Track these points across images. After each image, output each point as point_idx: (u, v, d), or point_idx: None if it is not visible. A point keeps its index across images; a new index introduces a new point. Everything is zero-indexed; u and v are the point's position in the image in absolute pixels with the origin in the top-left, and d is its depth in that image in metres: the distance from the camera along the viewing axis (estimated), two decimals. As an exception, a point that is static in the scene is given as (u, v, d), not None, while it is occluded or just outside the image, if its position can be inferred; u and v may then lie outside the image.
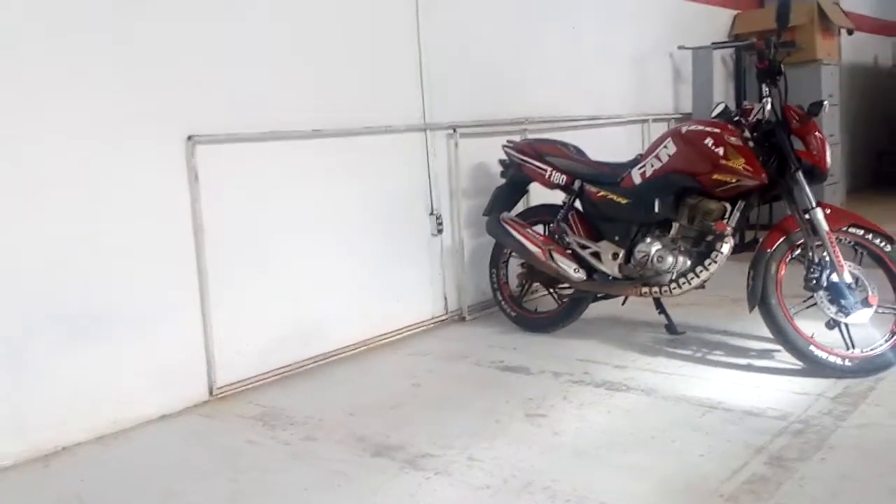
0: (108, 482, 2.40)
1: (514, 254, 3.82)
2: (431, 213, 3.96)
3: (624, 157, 3.57)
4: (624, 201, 3.38)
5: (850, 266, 2.92)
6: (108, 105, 2.74)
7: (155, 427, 2.83)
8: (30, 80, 2.55)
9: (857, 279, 2.92)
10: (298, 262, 3.38)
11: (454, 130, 4.01)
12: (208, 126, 3.01)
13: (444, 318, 4.05)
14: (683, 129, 3.22)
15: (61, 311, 2.65)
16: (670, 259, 3.19)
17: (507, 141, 3.86)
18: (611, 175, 3.48)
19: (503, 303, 3.91)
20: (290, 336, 3.35)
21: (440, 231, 4.00)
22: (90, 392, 2.72)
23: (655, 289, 3.27)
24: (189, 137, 2.95)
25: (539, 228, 3.74)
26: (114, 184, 2.77)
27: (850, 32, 6.57)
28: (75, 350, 2.68)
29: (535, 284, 3.89)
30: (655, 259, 3.21)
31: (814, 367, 2.89)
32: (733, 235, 3.15)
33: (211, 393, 3.06)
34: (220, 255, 3.06)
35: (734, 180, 3.02)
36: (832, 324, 2.93)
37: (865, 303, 2.88)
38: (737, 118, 3.14)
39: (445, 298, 4.07)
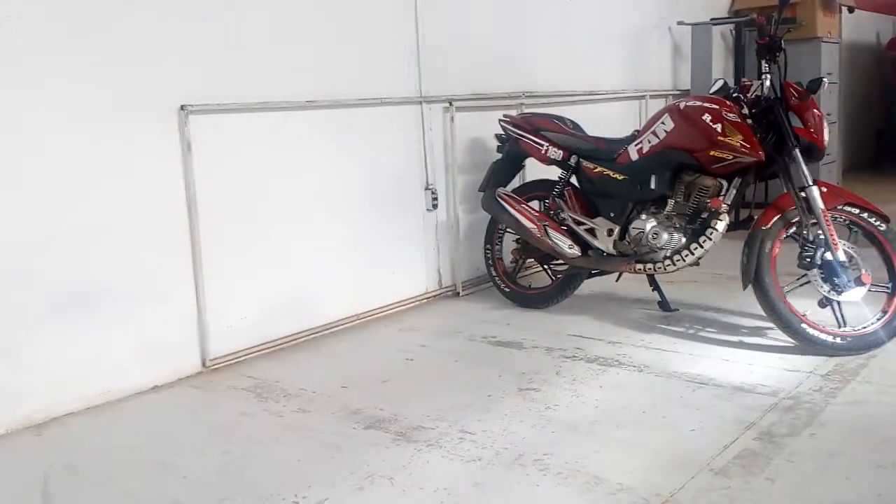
0: (100, 452, 2.40)
1: (508, 229, 3.81)
2: (427, 188, 3.95)
3: (621, 132, 3.56)
4: (620, 177, 3.36)
5: (844, 245, 2.92)
6: (99, 75, 2.71)
7: (147, 398, 2.83)
8: (19, 52, 2.52)
9: (851, 257, 2.92)
10: (292, 234, 3.36)
11: (450, 104, 3.98)
12: (202, 96, 2.98)
13: (438, 293, 4.05)
14: (681, 105, 3.20)
15: (54, 284, 2.64)
16: (665, 236, 3.18)
17: (504, 115, 3.83)
18: (608, 151, 3.46)
19: (497, 278, 3.91)
20: (284, 309, 3.34)
21: (435, 206, 3.98)
22: (82, 363, 2.72)
23: (650, 265, 3.27)
24: (182, 107, 2.92)
25: (535, 204, 3.72)
26: (105, 156, 2.74)
27: (850, 10, 6.53)
28: (67, 321, 2.67)
29: (530, 260, 3.88)
30: (650, 236, 3.20)
31: (805, 344, 2.90)
32: (729, 213, 3.15)
33: (204, 365, 3.06)
34: (213, 227, 3.05)
35: (731, 157, 3.01)
36: (825, 302, 2.94)
37: (859, 281, 2.88)
38: (735, 94, 3.12)
39: (440, 273, 4.07)
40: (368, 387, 2.83)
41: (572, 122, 3.73)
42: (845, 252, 2.91)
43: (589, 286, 3.78)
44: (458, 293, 4.08)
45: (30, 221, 2.58)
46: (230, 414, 2.65)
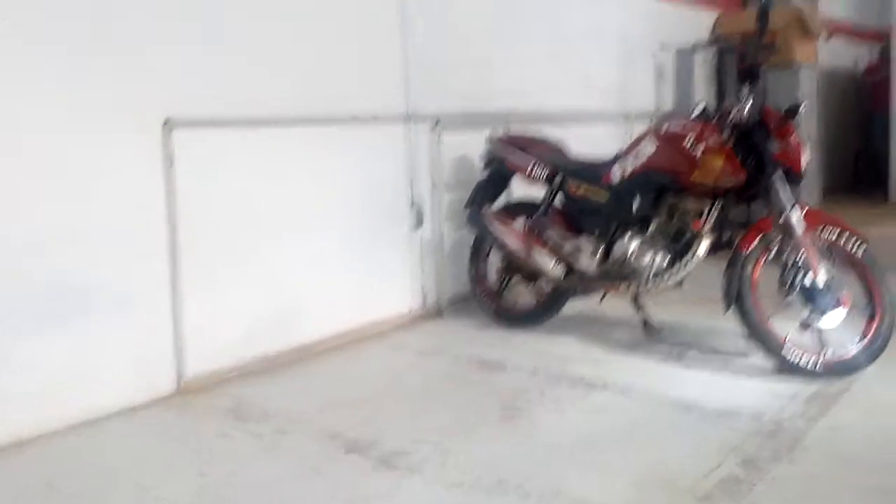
0: (78, 472, 2.35)
1: (494, 248, 3.81)
2: (412, 206, 3.94)
3: (605, 153, 3.58)
4: (604, 198, 3.38)
5: (824, 268, 2.94)
6: (83, 87, 2.68)
7: (125, 417, 2.78)
8: (2, 64, 2.49)
9: (830, 281, 2.94)
10: (276, 251, 3.34)
11: (437, 122, 3.99)
12: (186, 110, 2.96)
13: (422, 312, 4.03)
14: (664, 128, 3.23)
15: (30, 299, 2.59)
16: (648, 256, 3.20)
17: (491, 134, 3.85)
18: (592, 171, 3.48)
19: (482, 297, 3.90)
20: (266, 328, 3.31)
21: (421, 224, 3.97)
22: (59, 381, 2.67)
23: (633, 286, 3.28)
24: (166, 121, 2.90)
25: (520, 223, 3.73)
26: (86, 168, 2.71)
27: (827, 37, 6.65)
28: (44, 338, 2.63)
29: (515, 279, 3.88)
30: (633, 256, 3.22)
31: (787, 368, 2.92)
32: (711, 234, 3.17)
33: (183, 384, 3.02)
34: (195, 243, 3.01)
35: (712, 180, 3.04)
36: (806, 325, 2.95)
37: (838, 305, 2.90)
38: (716, 118, 3.15)
39: (424, 292, 4.05)
40: (351, 408, 2.80)
41: (557, 142, 3.76)
42: (825, 275, 2.93)
43: (573, 306, 3.78)
44: (443, 312, 4.07)
45: (6, 238, 2.53)
46: (208, 435, 2.61)
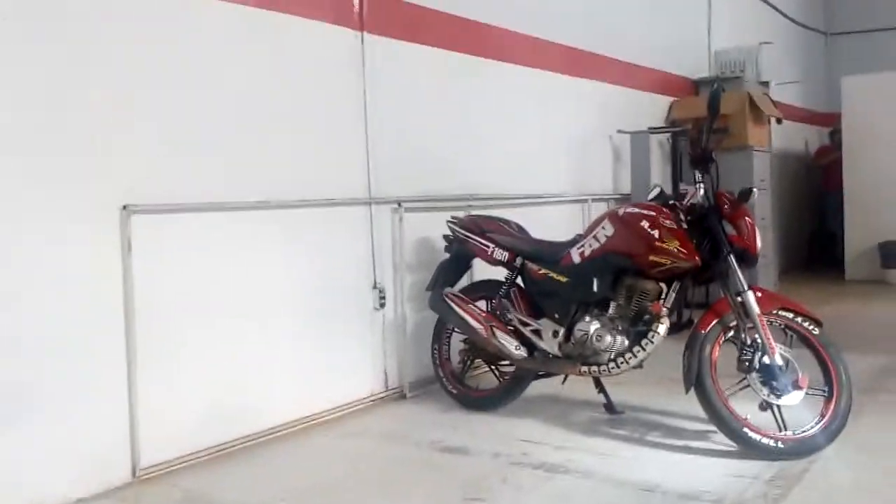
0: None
1: (456, 330, 3.80)
2: (374, 287, 3.94)
3: (564, 235, 3.64)
4: (564, 279, 3.41)
5: (780, 348, 2.99)
6: (39, 171, 2.67)
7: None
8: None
9: (787, 362, 2.98)
10: (235, 337, 3.29)
11: (399, 205, 4.04)
12: (145, 195, 2.95)
13: (384, 394, 3.98)
14: (621, 212, 3.30)
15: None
16: (608, 338, 3.22)
17: (452, 217, 3.90)
18: (551, 253, 3.53)
19: (444, 379, 3.87)
20: (222, 415, 3.22)
21: (382, 305, 3.97)
22: (5, 473, 2.56)
23: (595, 368, 3.28)
24: (124, 207, 2.90)
25: (482, 304, 3.74)
26: (39, 254, 2.68)
27: (779, 121, 6.91)
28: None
29: (477, 361, 3.86)
30: (594, 338, 3.23)
31: (748, 448, 2.92)
32: (669, 315, 3.21)
33: (134, 475, 2.91)
34: (151, 331, 2.97)
35: (669, 262, 3.09)
36: (765, 405, 2.97)
37: (796, 385, 2.94)
38: (672, 202, 3.23)
39: (386, 374, 4.01)
40: (309, 498, 2.73)
41: (517, 224, 3.82)
42: (782, 356, 2.97)
43: (536, 388, 3.76)
44: (406, 395, 4.02)
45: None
46: (159, 528, 2.51)
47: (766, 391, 2.95)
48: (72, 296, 2.76)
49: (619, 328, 3.24)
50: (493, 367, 3.80)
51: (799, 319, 3.05)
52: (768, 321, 3.01)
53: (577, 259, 3.39)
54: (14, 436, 2.60)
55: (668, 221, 3.12)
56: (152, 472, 2.96)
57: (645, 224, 3.14)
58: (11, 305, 2.61)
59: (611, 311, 3.27)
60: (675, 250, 3.07)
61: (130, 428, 2.91)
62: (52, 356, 2.70)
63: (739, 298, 3.03)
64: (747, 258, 3.13)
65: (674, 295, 3.19)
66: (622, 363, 3.21)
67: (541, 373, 3.60)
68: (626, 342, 3.22)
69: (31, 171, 2.66)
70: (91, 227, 2.82)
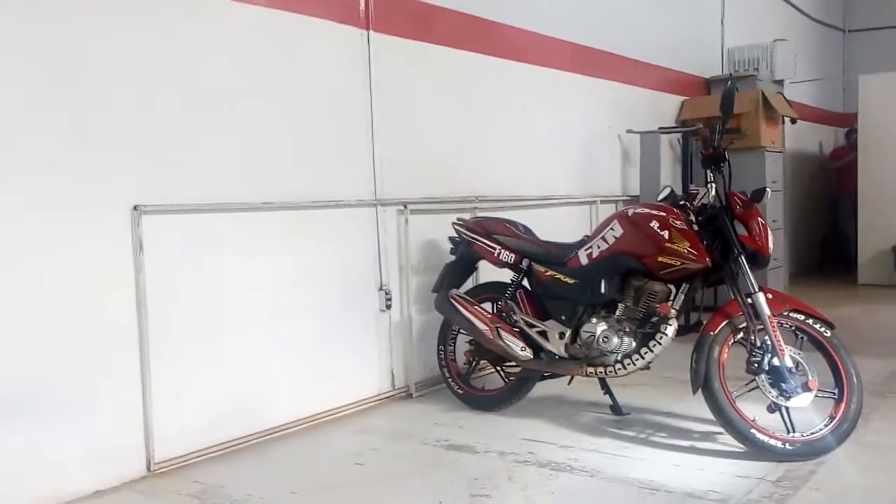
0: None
1: (462, 331, 3.80)
2: (380, 289, 3.94)
3: (572, 237, 3.62)
4: (571, 281, 3.40)
5: (790, 350, 2.96)
6: (52, 172, 2.69)
7: (93, 502, 2.70)
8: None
9: (797, 363, 2.96)
10: (244, 335, 3.31)
11: (405, 206, 4.03)
12: (155, 196, 2.98)
13: (390, 394, 3.98)
14: (630, 212, 3.28)
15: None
16: (615, 340, 3.20)
17: (458, 218, 3.89)
18: (558, 255, 3.52)
19: (450, 380, 3.86)
20: (234, 411, 3.25)
21: (389, 306, 3.97)
22: (24, 467, 2.60)
23: (601, 369, 3.27)
24: (135, 207, 2.91)
25: (487, 306, 3.74)
26: (54, 255, 2.70)
27: (793, 121, 6.83)
28: (8, 424, 2.56)
29: (483, 362, 3.86)
30: (601, 339, 3.22)
31: (755, 450, 2.90)
32: (678, 317, 3.19)
33: (149, 468, 2.94)
34: (163, 328, 2.99)
35: (678, 263, 3.07)
36: (773, 407, 2.95)
37: (806, 387, 2.91)
38: (682, 202, 3.21)
39: (393, 374, 4.01)
40: (318, 493, 2.73)
41: (524, 226, 3.80)
42: (792, 358, 2.95)
43: (542, 389, 3.75)
44: (412, 394, 4.02)
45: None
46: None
47: (774, 393, 2.93)
48: (86, 295, 2.78)
49: (627, 330, 3.22)
50: (498, 367, 3.79)
51: (810, 321, 3.03)
52: (779, 323, 2.99)
53: (584, 261, 3.38)
54: (32, 431, 2.63)
55: (678, 222, 3.10)
56: (167, 466, 2.99)
57: (654, 225, 3.12)
58: (29, 304, 2.63)
59: (618, 312, 3.25)
60: (685, 251, 3.04)
61: (144, 423, 2.94)
62: (68, 353, 2.73)
63: (750, 300, 3.00)
64: (759, 259, 3.10)
65: (682, 297, 3.17)
66: (629, 364, 3.19)
67: (546, 374, 3.59)
68: (634, 343, 3.20)
69: (43, 173, 2.68)
70: (104, 227, 2.84)
